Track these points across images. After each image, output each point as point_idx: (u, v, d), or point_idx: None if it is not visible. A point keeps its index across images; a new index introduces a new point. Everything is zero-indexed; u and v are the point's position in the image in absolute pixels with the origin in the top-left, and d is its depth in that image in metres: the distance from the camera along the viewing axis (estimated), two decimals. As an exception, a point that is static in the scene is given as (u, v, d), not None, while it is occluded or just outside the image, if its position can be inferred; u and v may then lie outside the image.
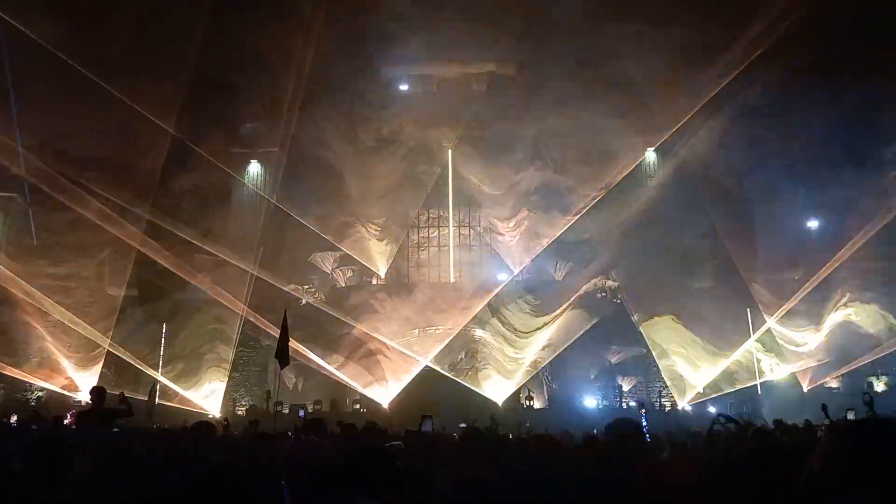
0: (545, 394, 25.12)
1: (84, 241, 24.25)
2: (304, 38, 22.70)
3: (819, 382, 24.08)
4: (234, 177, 27.28)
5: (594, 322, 24.45)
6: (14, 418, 12.97)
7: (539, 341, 25.08)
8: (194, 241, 23.93)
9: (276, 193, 26.52)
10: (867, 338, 24.09)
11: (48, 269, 24.70)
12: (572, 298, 25.34)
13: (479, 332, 25.60)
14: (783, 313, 24.28)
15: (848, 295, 24.52)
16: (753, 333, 24.29)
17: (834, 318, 24.74)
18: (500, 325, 25.50)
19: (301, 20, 22.61)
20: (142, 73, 21.82)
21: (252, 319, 23.87)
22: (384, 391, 24.22)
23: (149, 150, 23.11)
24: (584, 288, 26.18)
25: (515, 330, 25.50)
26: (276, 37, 22.46)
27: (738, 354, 24.26)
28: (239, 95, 24.83)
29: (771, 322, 24.34)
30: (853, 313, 24.59)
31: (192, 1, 21.66)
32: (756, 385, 24.17)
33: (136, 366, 23.09)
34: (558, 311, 25.12)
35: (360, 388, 24.30)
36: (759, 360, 24.59)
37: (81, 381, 23.70)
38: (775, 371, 24.96)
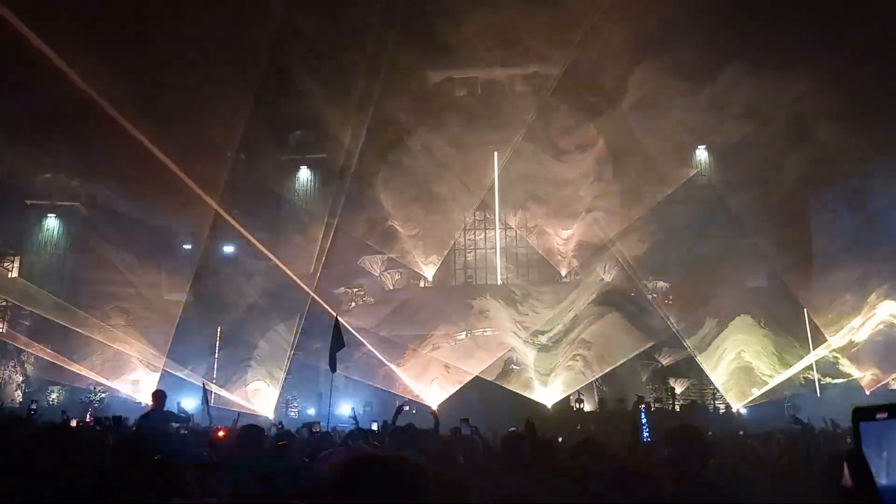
0: (595, 397, 24.87)
1: (144, 250, 25.18)
2: (355, 46, 23.08)
3: (881, 383, 23.24)
4: (285, 183, 27.99)
5: (652, 344, 24.19)
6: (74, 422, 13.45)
7: (565, 342, 24.85)
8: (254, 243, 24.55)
9: (326, 198, 27.12)
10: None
11: (109, 275, 25.71)
12: (585, 297, 25.10)
13: (519, 336, 25.58)
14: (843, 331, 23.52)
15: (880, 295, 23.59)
16: (810, 333, 23.63)
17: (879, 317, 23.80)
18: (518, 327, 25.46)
19: (351, 28, 23.02)
20: (208, 84, 22.50)
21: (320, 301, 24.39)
22: (434, 394, 24.36)
23: (211, 158, 23.77)
24: (632, 290, 25.95)
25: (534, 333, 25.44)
26: (326, 45, 22.90)
27: (797, 369, 23.56)
28: (289, 103, 25.40)
29: (833, 340, 23.55)
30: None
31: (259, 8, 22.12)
32: (815, 387, 23.51)
33: (188, 379, 23.73)
34: (570, 313, 24.97)
35: (412, 388, 24.50)
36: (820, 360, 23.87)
37: (144, 384, 24.55)
38: (832, 373, 24.18)
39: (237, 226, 23.97)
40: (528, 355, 25.21)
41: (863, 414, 1.64)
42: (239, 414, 17.87)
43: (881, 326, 23.70)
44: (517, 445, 4.84)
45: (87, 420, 17.19)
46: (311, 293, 24.97)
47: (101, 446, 6.32)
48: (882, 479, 1.58)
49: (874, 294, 23.55)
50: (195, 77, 22.44)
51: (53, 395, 25.61)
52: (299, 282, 24.70)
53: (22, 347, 25.26)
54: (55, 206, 27.67)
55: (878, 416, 1.62)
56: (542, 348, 25.33)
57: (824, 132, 22.47)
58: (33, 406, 14.90)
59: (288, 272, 24.46)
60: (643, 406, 12.23)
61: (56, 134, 22.88)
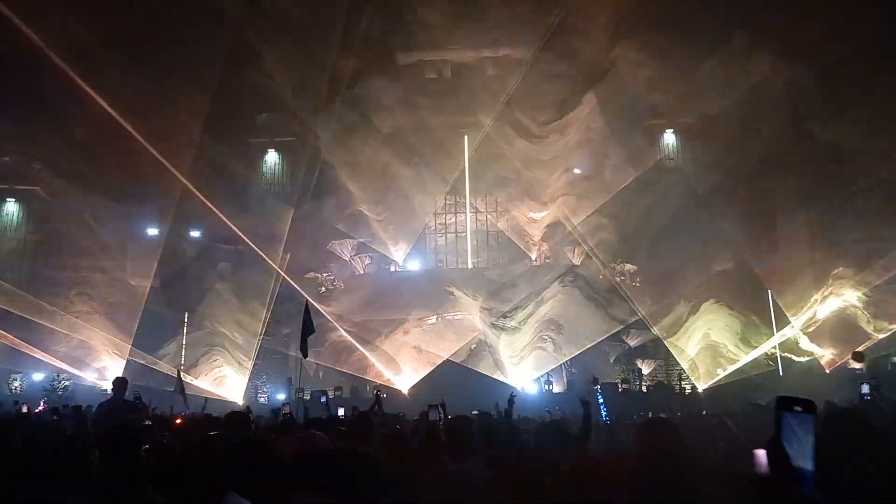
0: (563, 378, 25.14)
1: (108, 234, 24.69)
2: (323, 27, 22.76)
3: (840, 363, 23.74)
4: (252, 167, 27.63)
5: (620, 327, 24.45)
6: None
7: (535, 325, 25.04)
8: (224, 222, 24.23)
9: (294, 182, 26.85)
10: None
11: (73, 261, 25.18)
12: (554, 280, 25.30)
13: (487, 320, 25.72)
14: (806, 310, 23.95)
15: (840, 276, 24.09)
16: (774, 315, 24.06)
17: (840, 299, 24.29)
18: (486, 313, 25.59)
19: (320, 8, 22.70)
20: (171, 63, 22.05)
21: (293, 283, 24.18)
22: (405, 378, 24.41)
23: (176, 140, 23.31)
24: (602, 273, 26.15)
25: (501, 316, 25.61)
26: (294, 25, 22.56)
27: (761, 352, 23.99)
28: (256, 85, 24.98)
29: (795, 321, 24.00)
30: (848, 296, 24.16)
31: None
32: (777, 367, 24.00)
33: (154, 367, 23.41)
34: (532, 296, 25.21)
35: (383, 373, 24.52)
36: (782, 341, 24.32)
37: (109, 371, 24.19)
38: (795, 352, 24.68)
39: (209, 204, 23.48)
40: (498, 338, 25.34)
41: (784, 404, 1.78)
42: (206, 400, 17.71)
43: (840, 309, 24.19)
44: (463, 430, 4.81)
45: (42, 407, 16.85)
46: (284, 274, 24.79)
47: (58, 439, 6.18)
48: (797, 465, 1.73)
49: (838, 270, 23.95)
50: (158, 57, 21.98)
51: (16, 384, 25.11)
52: (273, 263, 24.46)
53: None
54: (14, 191, 26.98)
55: (795, 408, 1.78)
56: (512, 331, 25.47)
57: (791, 114, 22.81)
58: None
59: (261, 253, 24.17)
60: (598, 387, 12.07)
61: (15, 115, 22.25)
